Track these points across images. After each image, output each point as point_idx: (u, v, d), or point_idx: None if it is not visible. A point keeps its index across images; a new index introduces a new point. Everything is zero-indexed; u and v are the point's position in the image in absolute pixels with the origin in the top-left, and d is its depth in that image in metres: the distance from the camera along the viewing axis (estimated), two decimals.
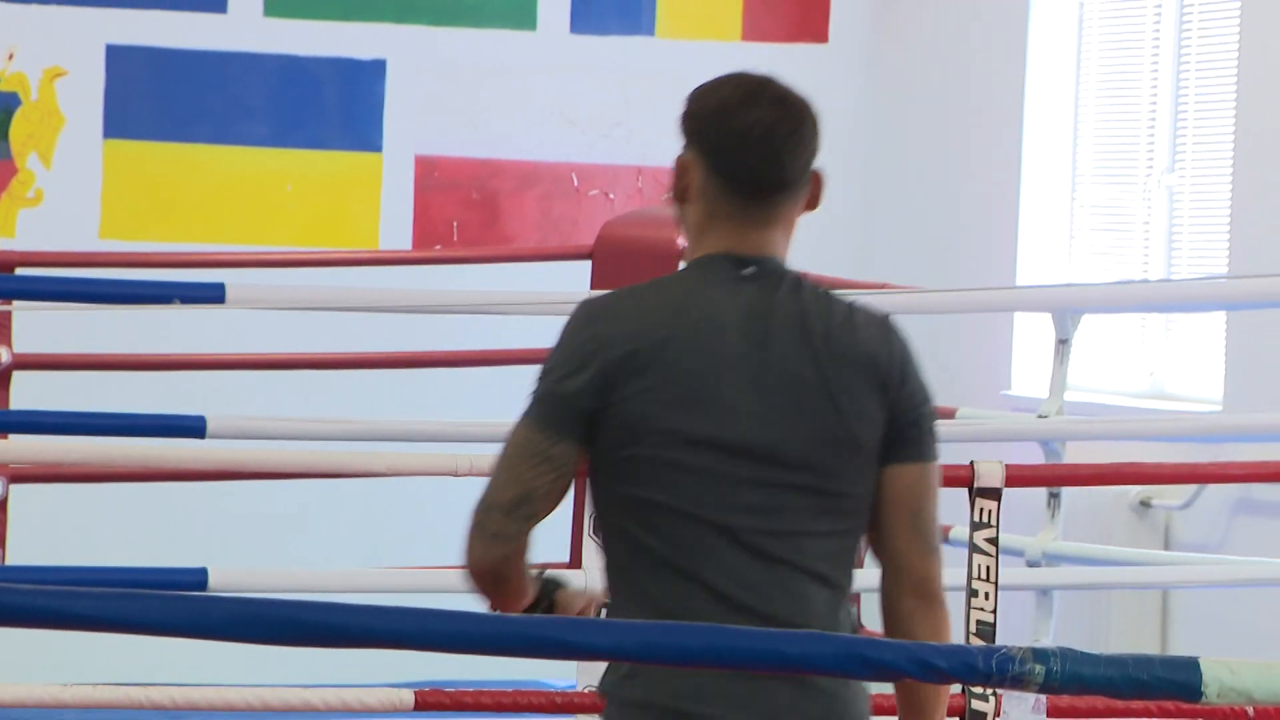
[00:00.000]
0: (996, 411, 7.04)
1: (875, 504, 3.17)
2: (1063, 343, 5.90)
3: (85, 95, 8.20)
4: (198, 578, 4.85)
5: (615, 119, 8.50)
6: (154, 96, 8.27)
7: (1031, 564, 5.90)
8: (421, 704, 4.84)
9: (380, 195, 8.43)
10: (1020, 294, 7.18)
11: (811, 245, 8.23)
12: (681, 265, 3.26)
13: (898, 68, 8.52)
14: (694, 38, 8.54)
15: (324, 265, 7.50)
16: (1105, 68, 7.84)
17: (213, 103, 8.28)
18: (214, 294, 5.30)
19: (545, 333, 6.58)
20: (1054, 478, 5.64)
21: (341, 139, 8.38)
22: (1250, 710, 4.85)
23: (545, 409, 3.12)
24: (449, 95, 8.42)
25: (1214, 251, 7.31)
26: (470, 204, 8.46)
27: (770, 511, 3.11)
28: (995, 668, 2.19)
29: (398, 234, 8.42)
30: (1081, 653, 2.20)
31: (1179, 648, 7.10)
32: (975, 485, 4.31)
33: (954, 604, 4.42)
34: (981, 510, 4.30)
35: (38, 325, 7.08)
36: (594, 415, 3.10)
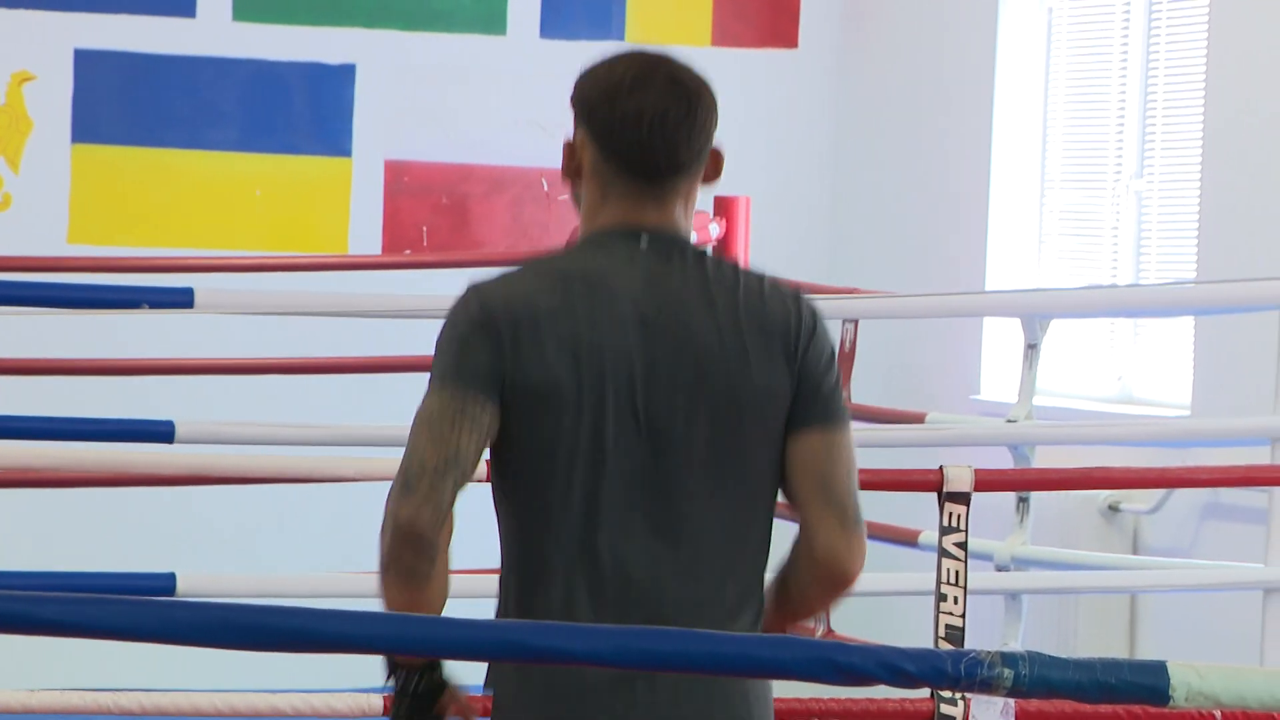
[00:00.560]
0: (965, 416, 7.05)
1: (786, 476, 3.10)
2: (1031, 347, 5.91)
3: (53, 100, 8.18)
4: (166, 583, 4.84)
5: None
6: (122, 101, 8.25)
7: (1000, 568, 5.91)
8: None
9: (350, 200, 8.42)
10: (989, 299, 7.18)
11: (781, 250, 8.26)
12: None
13: (867, 73, 8.53)
14: (664, 42, 8.52)
15: (293, 270, 7.49)
16: (1074, 73, 7.85)
17: (181, 107, 8.27)
18: (183, 299, 5.29)
19: None
20: (1023, 482, 5.64)
21: (311, 144, 8.37)
22: (1218, 714, 4.86)
23: (456, 374, 3.05)
24: (419, 100, 8.41)
25: (1182, 257, 7.32)
26: (440, 209, 8.45)
27: (664, 479, 3.06)
28: (964, 672, 2.19)
29: (367, 239, 8.40)
30: (1050, 656, 2.20)
31: (1147, 652, 7.12)
32: (944, 490, 4.32)
33: (924, 608, 4.43)
34: (950, 515, 4.30)
35: (5, 330, 7.06)
36: (498, 379, 3.04)
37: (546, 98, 8.45)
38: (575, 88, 3.14)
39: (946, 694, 4.21)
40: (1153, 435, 6.14)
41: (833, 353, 3.13)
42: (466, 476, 3.06)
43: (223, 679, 5.98)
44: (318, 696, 4.84)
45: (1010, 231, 7.96)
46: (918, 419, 6.30)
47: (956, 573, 4.24)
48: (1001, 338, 7.81)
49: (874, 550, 7.43)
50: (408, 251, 8.41)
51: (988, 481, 4.42)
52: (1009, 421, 5.92)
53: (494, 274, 3.13)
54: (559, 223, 8.39)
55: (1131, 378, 7.53)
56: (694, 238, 3.17)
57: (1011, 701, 4.37)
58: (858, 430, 6.65)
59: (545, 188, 8.51)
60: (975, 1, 8.00)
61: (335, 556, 8.05)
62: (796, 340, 3.10)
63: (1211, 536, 6.93)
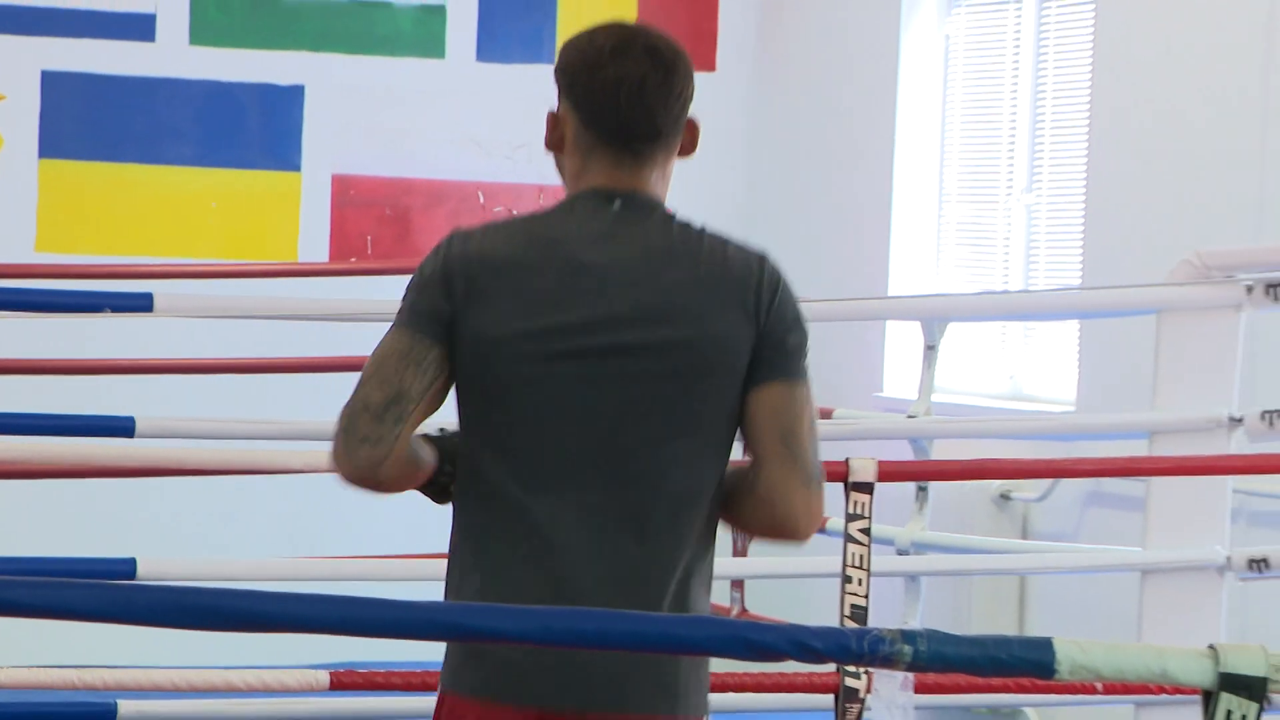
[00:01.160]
0: (870, 412, 7.06)
1: (747, 429, 2.98)
2: (930, 349, 5.93)
3: (22, 118, 8.13)
4: (127, 567, 4.81)
5: (518, 141, 8.49)
6: (86, 119, 8.21)
7: (901, 552, 5.92)
8: (336, 684, 4.82)
9: (299, 211, 8.38)
10: (891, 303, 7.20)
11: None
12: None
13: (780, 94, 8.54)
14: None
15: (246, 277, 7.46)
16: (968, 96, 7.88)
17: (141, 125, 8.23)
18: (142, 303, 5.25)
19: None
20: (922, 473, 5.66)
21: (262, 159, 8.34)
22: (1099, 685, 4.88)
23: (410, 317, 2.98)
24: (363, 118, 8.39)
25: (1068, 264, 7.35)
26: (383, 220, 8.43)
27: (614, 428, 2.94)
28: (867, 648, 2.19)
29: (315, 248, 8.38)
30: (946, 634, 2.20)
31: (1035, 629, 7.14)
32: (850, 480, 4.32)
33: (830, 589, 4.43)
34: (856, 503, 4.31)
35: None
36: (451, 325, 2.95)
37: (482, 117, 8.44)
38: (558, 59, 3.07)
39: (851, 669, 4.22)
40: (1041, 429, 6.16)
41: (798, 313, 3.02)
42: (412, 413, 2.95)
43: (180, 657, 5.95)
44: (269, 672, 4.82)
45: (910, 241, 7.99)
46: (826, 414, 6.31)
47: (861, 556, 4.24)
48: (903, 339, 7.83)
49: None
50: (353, 259, 8.38)
51: (890, 472, 4.43)
52: (909, 417, 5.94)
53: (472, 226, 3.04)
54: None
55: (1022, 376, 7.56)
56: (663, 200, 3.06)
57: (910, 675, 4.38)
58: None
59: (481, 200, 8.49)
60: (879, 29, 8.01)
61: (284, 542, 8.02)
62: (758, 296, 2.99)
63: (1094, 523, 6.96)
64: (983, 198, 7.81)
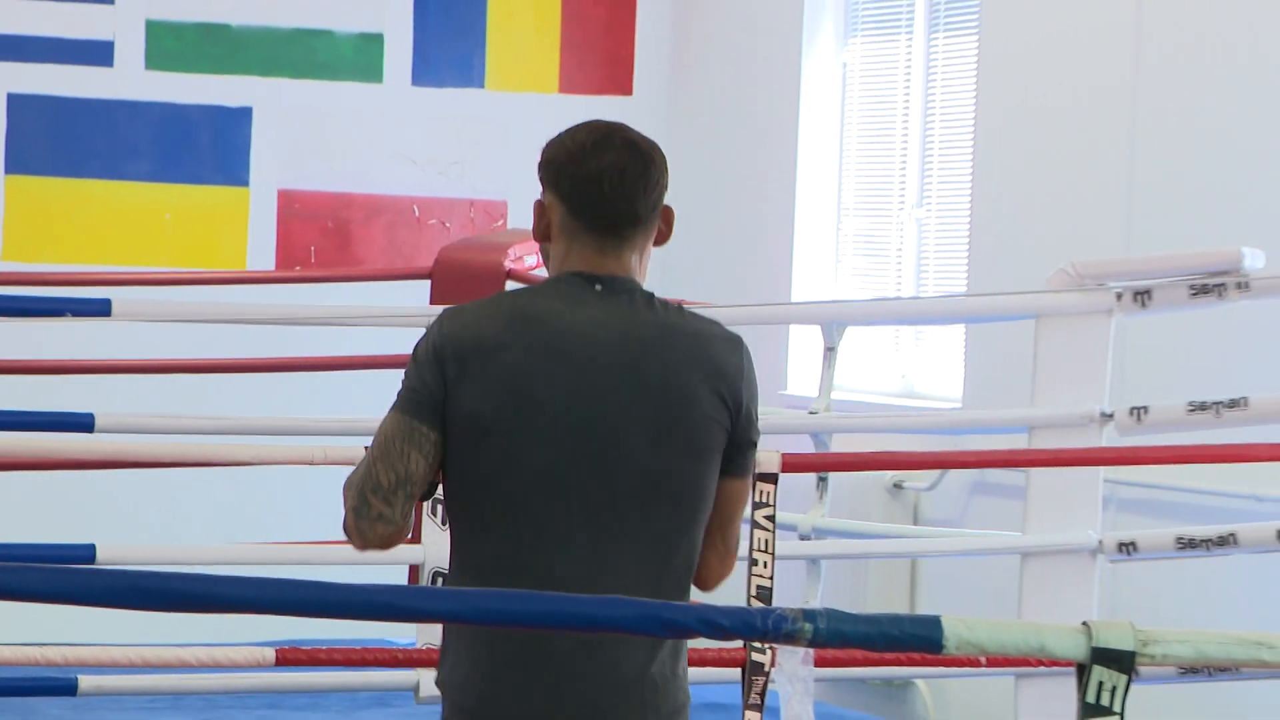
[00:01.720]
0: (774, 409, 7.07)
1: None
2: (830, 350, 5.94)
3: None
4: (87, 552, 4.77)
5: (451, 159, 8.47)
6: (50, 138, 8.14)
7: (803, 537, 5.93)
8: (282, 660, 4.79)
9: (248, 223, 8.34)
10: (794, 309, 7.21)
11: None
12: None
13: (692, 116, 8.55)
14: (518, 90, 8.52)
15: (199, 284, 7.41)
16: (864, 118, 7.90)
17: (101, 143, 8.17)
18: (101, 308, 5.21)
19: (391, 342, 6.55)
20: (822, 464, 5.67)
21: (213, 175, 8.29)
22: (983, 659, 4.90)
23: (409, 400, 2.93)
24: (307, 138, 8.35)
25: (955, 273, 7.38)
26: (326, 231, 8.39)
27: (602, 503, 2.89)
28: (771, 626, 2.19)
29: (263, 257, 8.33)
30: (843, 613, 2.20)
31: (925, 607, 7.16)
32: (757, 471, 4.32)
33: (738, 571, 4.44)
34: (762, 492, 4.31)
35: None
36: (443, 405, 2.91)
37: (418, 136, 8.41)
38: (543, 155, 3.02)
39: (757, 645, 4.22)
40: (930, 425, 6.18)
41: (756, 406, 3.00)
42: (418, 491, 2.95)
43: (136, 635, 5.90)
44: (219, 650, 4.79)
45: (812, 251, 8.00)
46: None
47: (766, 541, 4.25)
48: (804, 342, 7.84)
49: None
50: (298, 268, 8.34)
51: (793, 464, 4.44)
52: (811, 413, 5.95)
53: (465, 305, 3.00)
54: (428, 244, 8.35)
55: (913, 376, 7.59)
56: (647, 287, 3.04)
57: (811, 651, 4.39)
58: None
59: (416, 213, 8.46)
60: (782, 57, 8.03)
61: (235, 529, 7.97)
62: (738, 388, 2.95)
63: (979, 510, 6.99)
64: (877, 212, 7.83)
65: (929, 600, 7.15)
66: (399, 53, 8.43)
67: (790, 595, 6.36)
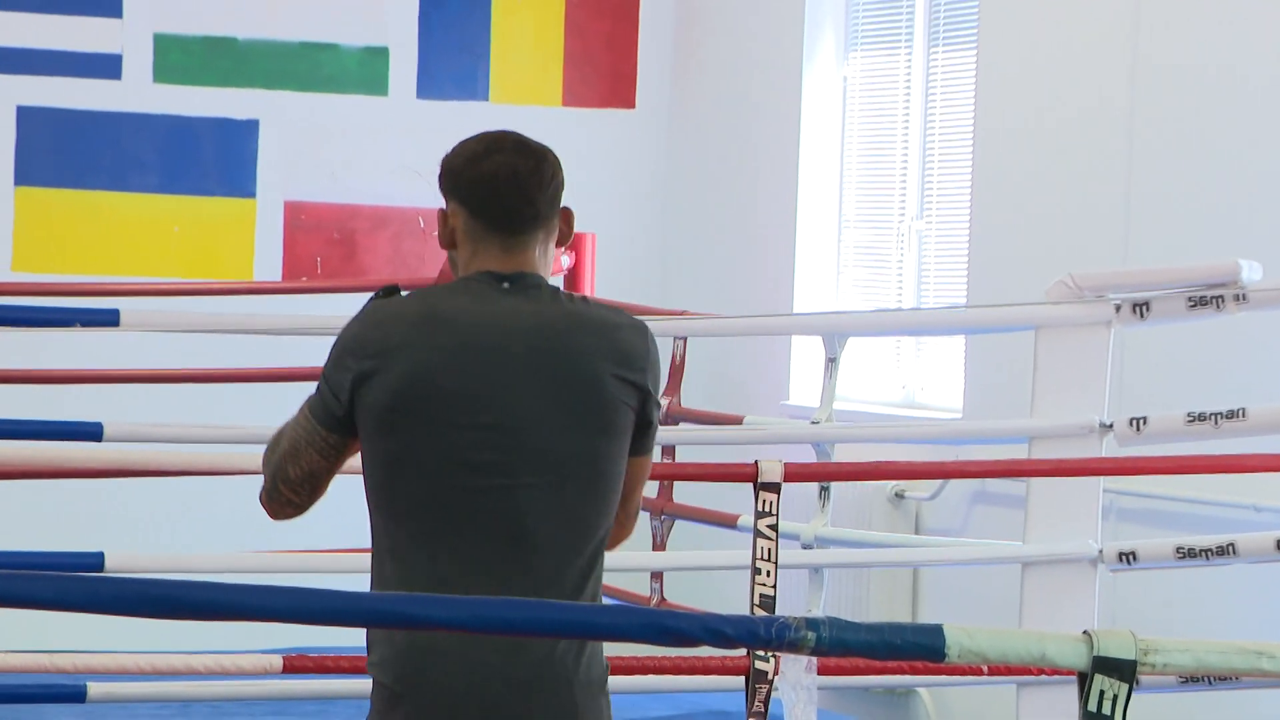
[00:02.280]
0: (777, 419, 7.07)
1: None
2: (832, 361, 5.94)
3: None
4: (96, 560, 4.77)
5: None
6: (59, 150, 8.15)
7: (805, 546, 5.92)
8: (289, 667, 4.79)
9: (254, 234, 8.34)
10: (796, 320, 7.21)
11: (621, 278, 8.26)
12: None
13: (694, 129, 8.55)
14: (521, 103, 8.52)
15: (206, 294, 7.42)
16: (865, 131, 7.90)
17: (109, 156, 8.18)
18: (110, 318, 5.22)
19: None
20: (824, 474, 5.66)
21: (220, 187, 8.29)
22: (985, 668, 4.89)
23: (317, 405, 3.07)
24: (313, 150, 8.36)
25: (955, 284, 7.38)
26: (332, 242, 8.39)
27: (508, 493, 2.97)
28: (775, 634, 2.18)
29: (269, 268, 8.34)
30: (846, 621, 2.20)
31: (927, 616, 7.16)
32: (759, 480, 4.32)
33: (741, 580, 4.43)
34: (764, 501, 4.31)
35: None
36: (352, 405, 3.02)
37: (423, 148, 8.41)
38: (440, 167, 3.13)
39: (760, 653, 4.21)
40: (931, 435, 6.18)
41: (660, 390, 3.09)
42: (323, 483, 3.10)
43: (146, 642, 5.90)
44: (227, 657, 4.79)
45: (813, 263, 8.00)
46: (736, 421, 6.31)
47: (769, 550, 4.24)
48: (806, 352, 7.84)
49: (699, 531, 7.46)
50: (304, 278, 8.34)
51: (795, 473, 4.43)
52: (813, 423, 5.95)
53: (378, 303, 3.08)
54: (434, 254, 8.36)
55: (914, 386, 7.58)
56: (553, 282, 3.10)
57: (814, 659, 4.38)
58: (687, 431, 6.67)
59: (421, 225, 8.47)
60: (783, 70, 8.03)
61: (241, 538, 7.97)
62: (644, 373, 3.04)
63: (979, 519, 6.98)
64: (878, 224, 7.83)
65: (931, 609, 7.15)
66: (404, 66, 8.43)
67: (793, 604, 6.36)
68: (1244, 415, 4.86)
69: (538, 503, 2.98)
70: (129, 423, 5.20)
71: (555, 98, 8.53)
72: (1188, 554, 4.88)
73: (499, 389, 2.99)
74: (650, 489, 6.48)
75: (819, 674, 4.46)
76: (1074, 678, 2.20)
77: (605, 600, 4.90)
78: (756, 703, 4.14)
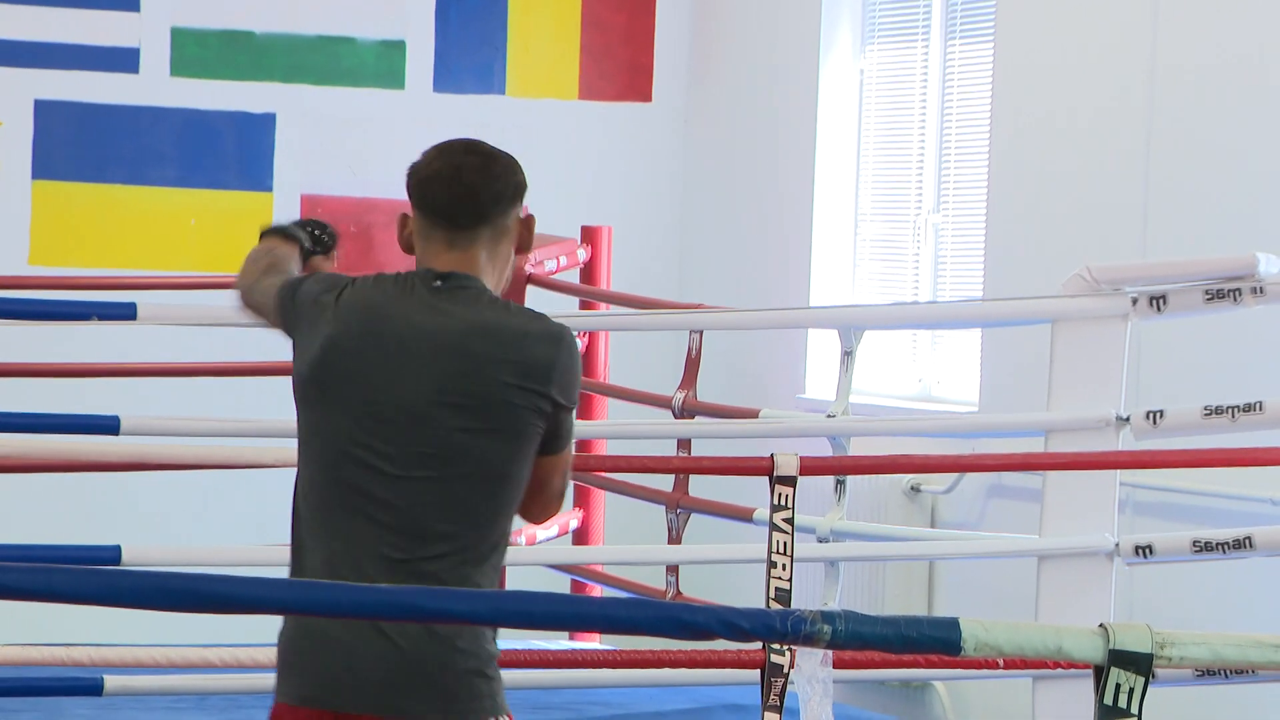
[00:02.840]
0: (793, 412, 7.07)
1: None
2: (848, 354, 5.93)
3: (17, 142, 8.08)
4: (113, 554, 4.78)
5: None
6: (76, 143, 8.16)
7: (821, 540, 5.92)
8: None
9: None
10: (812, 313, 7.21)
11: (637, 271, 8.26)
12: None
13: (710, 123, 8.54)
14: (538, 96, 8.52)
15: (223, 288, 7.40)
16: (881, 124, 7.89)
17: (126, 149, 8.19)
18: (127, 312, 5.22)
19: None
20: (840, 467, 5.66)
21: (237, 180, 8.30)
22: (1000, 661, 4.89)
23: (292, 284, 3.23)
24: (330, 144, 8.36)
25: (971, 278, 7.37)
26: (349, 236, 8.40)
27: (401, 484, 3.04)
28: (790, 628, 2.18)
29: None
30: (862, 614, 2.20)
31: (942, 609, 7.15)
32: (775, 474, 4.32)
33: (757, 574, 4.43)
34: (780, 495, 4.31)
35: None
36: (294, 320, 3.20)
37: (438, 142, 8.41)
38: (405, 179, 3.22)
39: (776, 647, 4.21)
40: (947, 428, 6.17)
41: (578, 389, 3.14)
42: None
43: (161, 635, 5.90)
44: (243, 650, 4.79)
45: (830, 256, 8.00)
46: (752, 414, 6.31)
47: (784, 544, 4.24)
48: (822, 346, 7.84)
49: (714, 524, 7.44)
50: None
51: (811, 467, 4.43)
52: (829, 416, 5.94)
53: (344, 277, 3.21)
54: None
55: (930, 380, 7.58)
56: (494, 288, 3.15)
57: (830, 652, 4.38)
58: (702, 424, 6.66)
59: None
60: (800, 63, 8.03)
61: (257, 531, 7.98)
62: (548, 382, 3.07)
63: (995, 513, 6.98)
64: (895, 217, 7.82)
65: (946, 602, 7.14)
66: (421, 59, 8.44)
67: (808, 597, 6.36)
68: (1261, 408, 4.85)
69: (427, 495, 3.04)
70: (146, 416, 5.21)
71: (572, 91, 8.52)
72: (1204, 547, 4.87)
73: (393, 381, 3.07)
74: (666, 482, 6.49)
75: (834, 667, 4.46)
76: (1090, 671, 2.19)
77: (619, 594, 4.94)
78: (772, 696, 4.14)
